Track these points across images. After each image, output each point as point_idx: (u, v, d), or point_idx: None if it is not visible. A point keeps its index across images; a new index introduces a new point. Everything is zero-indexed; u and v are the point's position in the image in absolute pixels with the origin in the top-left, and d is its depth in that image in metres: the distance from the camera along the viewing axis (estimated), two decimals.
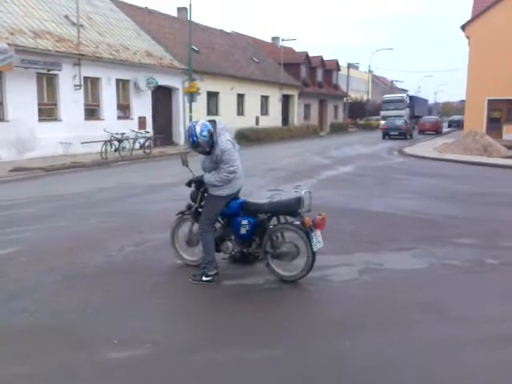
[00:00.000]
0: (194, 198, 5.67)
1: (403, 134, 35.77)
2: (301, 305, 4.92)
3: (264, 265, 5.48)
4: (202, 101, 27.76)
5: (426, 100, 69.31)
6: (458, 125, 52.64)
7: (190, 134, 5.15)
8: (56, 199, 10.52)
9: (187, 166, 5.60)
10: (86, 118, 21.11)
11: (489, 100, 30.95)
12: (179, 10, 35.85)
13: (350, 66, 56.09)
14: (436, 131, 43.76)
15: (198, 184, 5.53)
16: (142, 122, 24.18)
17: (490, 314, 4.65)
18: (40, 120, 19.00)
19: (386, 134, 36.14)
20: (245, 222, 5.42)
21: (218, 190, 5.30)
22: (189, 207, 5.78)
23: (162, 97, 26.13)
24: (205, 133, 5.14)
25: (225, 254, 5.69)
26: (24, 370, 3.61)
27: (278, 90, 39.01)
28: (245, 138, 28.28)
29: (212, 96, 30.16)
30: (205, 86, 27.63)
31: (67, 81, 20.04)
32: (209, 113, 29.04)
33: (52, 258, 6.20)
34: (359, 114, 57.98)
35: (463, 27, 31.05)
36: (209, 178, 5.30)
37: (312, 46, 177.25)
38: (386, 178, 14.20)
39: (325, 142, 32.10)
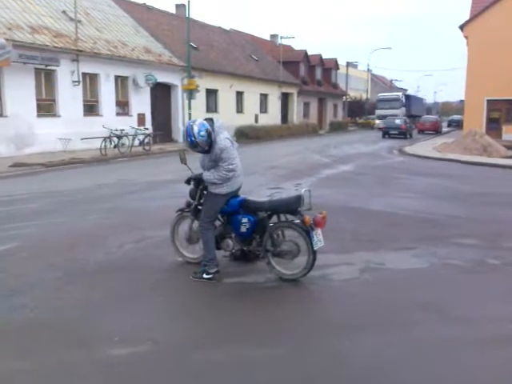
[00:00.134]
0: (193, 195, 5.64)
1: (403, 134, 35.79)
2: (301, 304, 4.90)
3: (265, 263, 5.46)
4: (201, 98, 27.72)
5: (423, 99, 69.10)
6: (458, 125, 52.63)
7: (188, 134, 5.11)
8: (56, 195, 10.49)
9: (186, 163, 5.57)
10: (84, 114, 21.08)
11: (488, 100, 30.95)
12: (177, 6, 35.79)
13: (348, 64, 56.05)
14: (435, 131, 43.79)
15: (197, 182, 5.49)
16: (141, 119, 24.15)
17: (491, 314, 4.63)
18: (38, 116, 18.97)
19: (386, 133, 36.18)
20: (245, 220, 5.39)
21: (217, 188, 5.27)
22: (188, 204, 5.76)
23: (161, 94, 26.10)
24: (203, 132, 5.10)
25: (225, 251, 5.67)
26: (24, 366, 3.59)
27: (277, 87, 38.99)
28: (244, 135, 28.26)
29: (211, 93, 30.12)
30: (204, 83, 27.59)
31: (65, 76, 20.00)
32: (208, 110, 29.02)
33: (52, 255, 6.17)
34: (358, 112, 58.01)
35: (462, 27, 31.03)
36: (208, 176, 5.26)
37: (311, 44, 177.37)
38: (386, 177, 14.19)
39: (324, 140, 32.09)
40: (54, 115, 19.81)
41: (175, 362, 3.67)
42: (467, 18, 31.45)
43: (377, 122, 48.19)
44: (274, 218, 5.46)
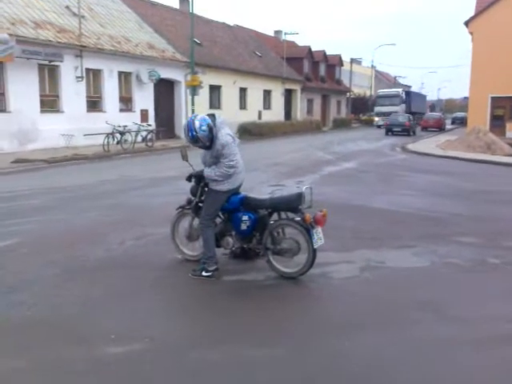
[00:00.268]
0: (194, 192, 5.63)
1: (406, 131, 35.70)
2: (301, 302, 4.89)
3: (265, 261, 5.44)
4: (204, 94, 27.68)
5: (425, 96, 68.24)
6: (462, 122, 52.48)
7: (189, 129, 5.09)
8: (58, 191, 10.49)
9: (187, 160, 5.56)
10: (88, 110, 21.08)
11: (492, 97, 30.81)
12: (181, 2, 35.67)
13: (352, 61, 55.86)
14: (439, 128, 43.68)
15: (198, 179, 5.48)
16: (144, 115, 24.13)
17: (491, 313, 4.61)
18: (42, 111, 18.97)
19: (389, 130, 36.10)
20: (245, 217, 5.38)
21: (218, 184, 5.26)
22: (189, 202, 5.74)
23: (165, 90, 26.07)
24: (204, 127, 5.07)
25: (225, 249, 5.65)
26: (22, 364, 3.59)
27: (281, 84, 38.91)
28: (247, 132, 28.21)
29: (214, 89, 30.07)
30: (207, 79, 27.55)
31: (69, 72, 19.99)
32: (211, 106, 28.98)
33: (52, 251, 6.17)
34: (362, 109, 57.79)
35: (467, 23, 30.88)
36: (209, 172, 5.24)
37: (315, 40, 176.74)
38: (388, 175, 14.15)
39: (327, 137, 32.03)
40: (58, 111, 19.82)
41: (173, 361, 3.66)
42: (472, 14, 31.29)
43: (376, 119, 47.40)
44: (275, 216, 5.44)
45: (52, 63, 19.05)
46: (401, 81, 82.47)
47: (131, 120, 21.65)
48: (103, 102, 22.04)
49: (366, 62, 69.50)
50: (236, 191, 5.43)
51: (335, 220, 6.96)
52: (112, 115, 21.44)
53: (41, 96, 19.00)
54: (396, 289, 5.18)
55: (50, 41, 18.82)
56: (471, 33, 30.91)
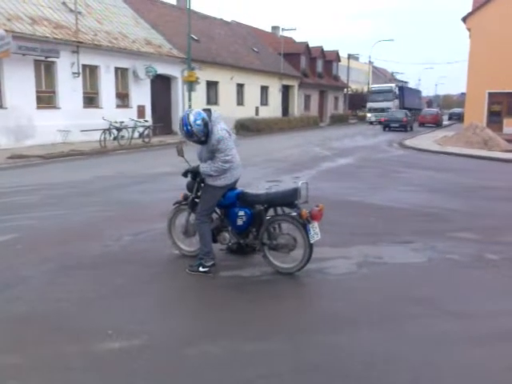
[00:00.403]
0: (190, 188, 5.62)
1: (404, 127, 35.69)
2: (298, 297, 4.89)
3: (261, 256, 5.44)
4: (201, 90, 27.63)
5: (419, 91, 67.64)
6: (459, 118, 52.39)
7: (184, 123, 5.06)
8: (54, 187, 10.46)
9: (183, 156, 5.54)
10: (84, 106, 21.02)
11: (489, 93, 30.82)
12: None
13: (350, 56, 55.75)
14: (436, 124, 43.64)
15: (195, 174, 5.46)
16: (141, 111, 24.07)
17: (489, 309, 4.61)
18: (38, 107, 18.91)
19: (387, 126, 36.08)
20: (242, 213, 5.36)
21: (214, 180, 5.23)
22: (185, 197, 5.73)
23: (161, 86, 26.00)
24: (199, 121, 5.04)
25: (222, 244, 5.65)
26: (17, 360, 3.57)
27: (278, 80, 38.85)
28: (244, 128, 28.16)
29: (211, 85, 30.01)
30: (204, 75, 27.48)
31: (65, 68, 19.92)
32: (208, 102, 28.92)
33: (49, 247, 6.16)
34: (359, 105, 57.70)
35: (464, 19, 30.84)
36: (205, 168, 5.21)
37: (312, 36, 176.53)
38: (386, 171, 14.15)
39: (325, 133, 32.01)
40: (54, 107, 19.75)
41: (170, 356, 3.64)
42: (470, 10, 31.26)
43: (368, 115, 46.50)
44: (271, 211, 5.43)
45: (48, 59, 18.97)
46: (398, 77, 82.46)
47: (128, 116, 21.57)
48: (100, 98, 21.97)
49: (364, 57, 69.53)
50: (232, 187, 5.42)
51: (332, 215, 6.96)
52: (109, 111, 21.39)
53: (37, 92, 18.93)
54: (393, 284, 5.18)
55: (46, 37, 18.74)
56: (469, 29, 30.88)
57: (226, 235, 5.54)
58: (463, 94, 43.92)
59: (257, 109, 35.52)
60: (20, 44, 17.29)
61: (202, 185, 5.42)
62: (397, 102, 47.28)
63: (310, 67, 45.59)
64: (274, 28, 49.19)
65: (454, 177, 13.41)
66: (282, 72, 38.94)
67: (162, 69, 25.06)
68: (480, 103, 30.83)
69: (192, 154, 5.58)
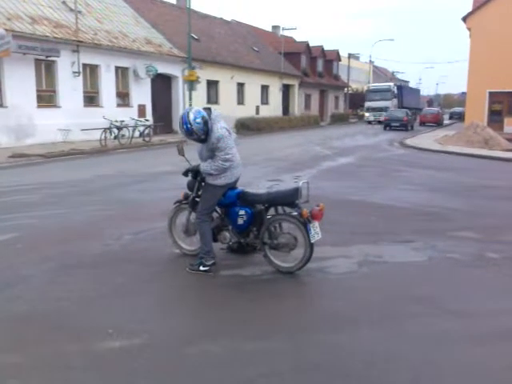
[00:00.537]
0: (191, 187, 5.61)
1: (404, 126, 35.68)
2: (298, 297, 4.89)
3: (262, 256, 5.43)
4: (201, 89, 27.62)
5: (418, 90, 67.23)
6: (459, 117, 52.36)
7: (184, 122, 5.06)
8: (55, 186, 10.46)
9: (183, 155, 5.53)
10: (85, 105, 21.03)
11: (490, 92, 30.80)
12: None
13: (350, 56, 55.71)
14: (437, 123, 43.63)
15: (195, 173, 5.45)
16: (141, 110, 24.07)
17: (490, 308, 4.61)
18: (39, 106, 18.93)
19: (388, 125, 36.06)
20: (242, 212, 5.36)
21: (215, 179, 5.23)
22: (186, 196, 5.72)
23: (162, 85, 26.00)
24: (198, 119, 5.04)
25: (222, 244, 5.64)
26: (17, 359, 3.57)
27: (279, 79, 38.84)
28: (245, 127, 28.15)
29: (212, 85, 30.00)
30: (204, 74, 27.48)
31: (66, 67, 19.91)
32: (209, 101, 28.92)
33: (49, 246, 6.15)
34: (360, 104, 57.63)
35: (464, 19, 30.81)
36: (205, 166, 5.21)
37: (313, 35, 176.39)
38: (386, 170, 14.14)
39: (325, 132, 32.00)
40: (55, 106, 19.76)
41: (170, 355, 3.64)
42: (470, 9, 31.23)
43: (366, 114, 45.95)
44: (272, 211, 5.43)
45: (49, 58, 18.97)
46: (399, 76, 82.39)
47: (128, 115, 21.58)
48: (100, 97, 21.97)
49: (364, 57, 69.46)
50: (233, 186, 5.41)
51: (333, 214, 6.95)
52: (109, 110, 21.38)
53: (37, 91, 18.94)
54: (394, 283, 5.17)
55: (46, 36, 18.74)
56: (469, 28, 30.85)
57: (227, 234, 5.53)
58: (464, 93, 43.84)
59: (257, 108, 35.52)
60: (20, 43, 17.29)
61: (203, 184, 5.42)
62: (395, 101, 46.78)
63: (310, 66, 45.57)
64: (275, 27, 49.18)
65: (455, 176, 13.40)
66: (283, 71, 38.94)
67: (163, 68, 25.06)
68: (481, 102, 30.80)
69: (193, 153, 5.58)
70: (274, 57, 40.31)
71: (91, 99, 21.61)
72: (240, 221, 5.37)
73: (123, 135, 19.67)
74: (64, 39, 19.48)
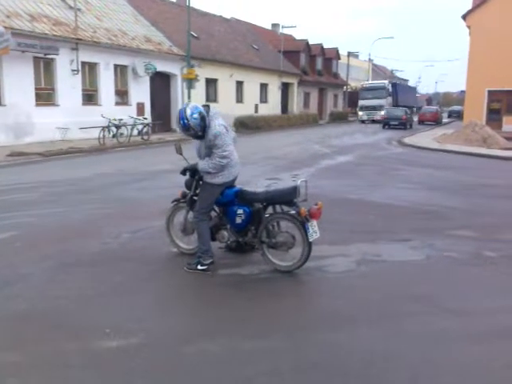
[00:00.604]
0: (188, 186, 5.61)
1: (403, 124, 35.69)
2: (296, 295, 4.89)
3: (260, 254, 5.44)
4: (200, 87, 27.59)
5: (414, 88, 66.68)
6: (458, 115, 52.38)
7: (181, 117, 5.06)
8: (53, 184, 10.45)
9: (181, 153, 5.53)
10: (83, 104, 20.98)
11: (489, 91, 30.82)
12: None
13: (350, 54, 55.64)
14: (436, 121, 43.63)
15: (193, 172, 5.45)
16: (140, 108, 24.03)
17: (488, 306, 4.62)
18: (37, 104, 18.89)
19: (386, 124, 36.06)
20: (240, 211, 5.36)
21: (213, 177, 5.23)
22: (184, 195, 5.72)
23: (161, 83, 25.96)
24: (195, 115, 5.04)
25: (220, 242, 5.64)
26: (16, 357, 3.57)
27: (278, 77, 38.80)
28: (244, 125, 28.13)
29: (211, 83, 29.97)
30: (203, 72, 27.45)
31: (64, 65, 19.87)
32: (208, 100, 28.86)
33: (48, 244, 6.15)
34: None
35: (464, 17, 30.81)
36: (203, 165, 5.20)
37: (312, 34, 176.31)
38: (385, 168, 14.14)
39: (324, 130, 31.99)
40: (53, 104, 19.72)
41: (168, 354, 3.65)
42: (470, 7, 31.21)
43: (360, 113, 44.96)
44: (270, 209, 5.43)
45: (47, 56, 18.94)
46: (398, 74, 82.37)
47: (127, 113, 21.55)
48: (99, 95, 21.93)
49: (364, 55, 69.40)
50: (231, 184, 5.41)
51: (331, 213, 6.96)
52: (108, 108, 21.34)
53: (36, 89, 18.89)
54: (392, 282, 5.18)
55: (45, 34, 18.70)
56: (468, 26, 30.85)
57: (225, 233, 5.54)
58: (463, 91, 43.83)
59: (256, 106, 35.49)
60: (19, 41, 17.25)
61: (201, 182, 5.42)
62: (390, 99, 45.83)
63: (309, 65, 45.51)
64: (274, 25, 49.14)
65: (453, 174, 13.41)
66: (282, 69, 38.89)
67: (162, 66, 25.02)
68: (479, 101, 30.82)
69: (191, 151, 5.58)
70: (273, 55, 40.27)
71: (90, 97, 21.58)
72: (238, 219, 5.37)
73: (122, 134, 19.65)
74: (63, 37, 19.45)
